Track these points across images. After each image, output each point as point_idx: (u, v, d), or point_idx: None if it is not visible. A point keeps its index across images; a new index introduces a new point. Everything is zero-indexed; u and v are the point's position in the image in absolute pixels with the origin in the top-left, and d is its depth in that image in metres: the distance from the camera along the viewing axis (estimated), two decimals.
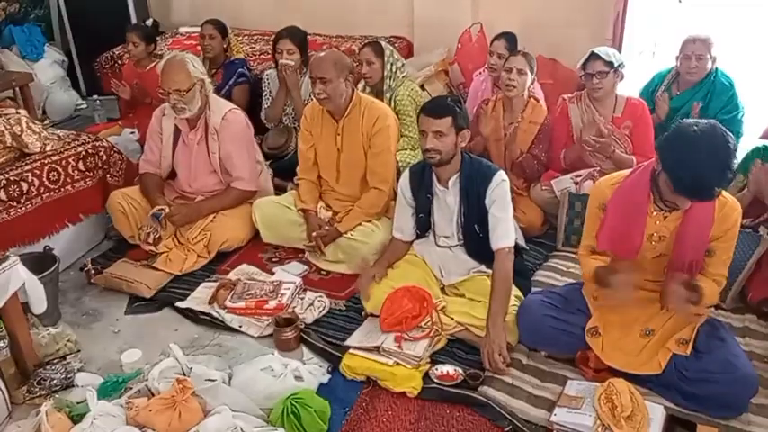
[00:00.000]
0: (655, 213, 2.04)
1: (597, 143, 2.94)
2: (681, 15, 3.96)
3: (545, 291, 2.37)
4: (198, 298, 2.63)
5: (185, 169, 3.04)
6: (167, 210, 2.85)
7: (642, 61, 3.82)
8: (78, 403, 2.00)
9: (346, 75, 2.73)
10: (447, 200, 2.47)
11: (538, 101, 3.26)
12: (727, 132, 1.83)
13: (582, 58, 3.09)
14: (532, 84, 3.22)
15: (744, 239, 2.34)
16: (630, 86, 3.43)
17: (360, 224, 2.84)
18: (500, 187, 2.38)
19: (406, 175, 2.57)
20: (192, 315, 2.57)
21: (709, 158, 1.78)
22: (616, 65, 3.00)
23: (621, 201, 2.06)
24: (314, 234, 2.83)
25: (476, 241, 2.47)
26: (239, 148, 2.98)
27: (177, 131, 3.01)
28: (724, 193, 1.99)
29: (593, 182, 2.90)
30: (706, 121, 1.89)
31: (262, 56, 4.63)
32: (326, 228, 2.86)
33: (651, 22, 4.12)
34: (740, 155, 2.90)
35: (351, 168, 2.91)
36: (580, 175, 3.00)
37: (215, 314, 2.52)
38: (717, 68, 3.35)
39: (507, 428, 1.97)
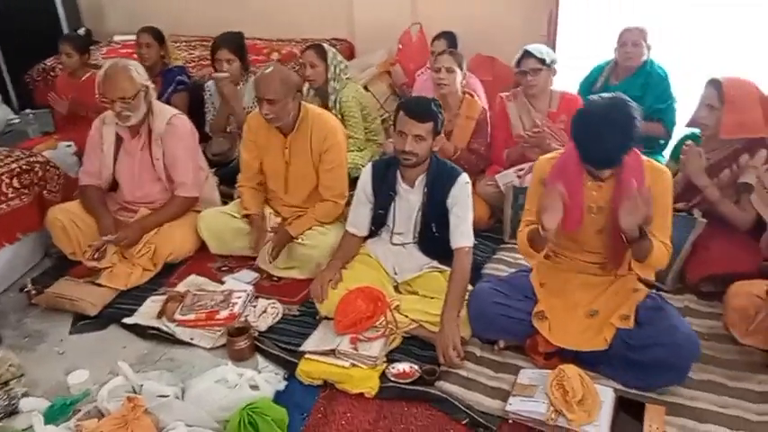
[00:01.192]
0: (590, 184, 2.12)
1: (532, 136, 3.02)
2: (618, 11, 4.10)
3: (493, 279, 2.41)
4: (146, 313, 2.56)
5: (128, 178, 2.95)
6: (112, 238, 2.74)
7: (579, 57, 3.94)
8: (24, 430, 1.93)
9: (294, 92, 2.69)
10: (409, 198, 2.49)
11: (472, 96, 3.32)
12: (630, 102, 1.97)
13: (517, 55, 3.17)
14: (464, 80, 3.27)
15: (680, 223, 2.43)
16: (568, 82, 3.54)
17: (310, 228, 2.83)
18: (464, 188, 2.43)
19: (368, 170, 2.57)
20: (140, 331, 2.49)
21: (610, 128, 1.93)
22: (549, 62, 3.09)
23: (558, 173, 2.14)
24: (267, 243, 2.79)
25: (431, 239, 2.51)
26: (184, 153, 2.93)
27: (118, 140, 2.93)
28: (652, 161, 2.12)
29: None
30: (612, 93, 2.03)
31: (201, 62, 4.56)
32: (272, 233, 2.82)
33: (585, 16, 4.25)
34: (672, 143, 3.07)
35: (300, 181, 2.88)
36: (522, 169, 3.07)
37: (164, 328, 2.46)
38: (651, 59, 3.50)
39: (465, 421, 2.00)
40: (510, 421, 1.98)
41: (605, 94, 2.04)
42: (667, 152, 3.28)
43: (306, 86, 3.67)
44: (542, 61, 3.07)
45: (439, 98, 3.24)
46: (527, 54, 3.10)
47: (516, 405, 1.99)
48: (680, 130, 3.23)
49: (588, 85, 3.63)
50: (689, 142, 2.67)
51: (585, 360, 2.10)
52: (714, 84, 2.57)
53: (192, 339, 2.41)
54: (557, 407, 1.92)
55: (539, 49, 3.13)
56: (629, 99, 1.99)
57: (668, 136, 3.56)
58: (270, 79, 2.63)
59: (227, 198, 3.29)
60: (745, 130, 2.53)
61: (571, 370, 2.00)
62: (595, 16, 4.11)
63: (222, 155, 3.57)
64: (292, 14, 5.01)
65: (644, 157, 2.12)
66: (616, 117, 1.95)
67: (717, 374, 2.15)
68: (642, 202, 1.93)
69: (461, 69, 3.21)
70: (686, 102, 3.33)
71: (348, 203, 2.81)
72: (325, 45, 3.58)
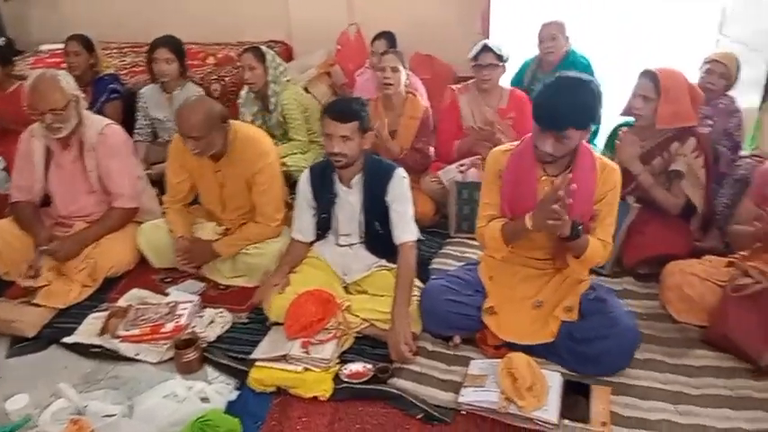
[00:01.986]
0: (543, 179, 2.15)
1: (483, 129, 3.07)
2: (544, 6, 4.22)
3: (444, 275, 2.44)
4: (87, 330, 2.47)
5: (61, 192, 2.84)
6: (47, 247, 2.63)
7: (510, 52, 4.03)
8: None
9: (218, 124, 2.57)
10: (350, 199, 2.49)
11: (415, 95, 3.35)
12: (596, 83, 2.00)
13: (473, 49, 3.21)
14: (408, 78, 3.30)
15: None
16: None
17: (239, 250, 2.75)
18: (401, 184, 2.44)
19: (306, 175, 2.55)
20: (82, 350, 2.40)
21: (568, 92, 1.95)
22: (505, 58, 3.16)
23: (514, 167, 2.18)
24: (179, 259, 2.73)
25: (376, 238, 2.51)
26: (119, 164, 2.83)
27: (48, 153, 2.81)
28: (603, 157, 2.17)
29: (478, 170, 3.04)
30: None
31: (134, 68, 4.43)
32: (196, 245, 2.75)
33: (516, 13, 4.36)
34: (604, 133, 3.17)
35: (237, 200, 2.79)
36: (464, 164, 3.12)
37: (108, 345, 2.37)
38: (573, 50, 3.62)
39: (420, 416, 2.01)
40: (463, 412, 2.01)
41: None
42: (600, 141, 3.39)
43: (245, 90, 3.63)
44: (500, 57, 3.14)
45: (383, 98, 3.28)
46: (486, 48, 3.15)
47: (468, 396, 2.02)
48: (613, 119, 3.35)
49: (518, 81, 3.72)
50: (624, 129, 2.75)
51: (534, 350, 2.15)
52: (649, 75, 2.65)
53: (137, 355, 2.33)
54: (507, 394, 1.96)
55: (498, 45, 3.19)
56: (595, 81, 2.03)
57: (597, 123, 3.68)
58: (192, 115, 2.50)
59: None
60: (679, 119, 2.63)
61: (519, 358, 2.05)
62: (527, 11, 4.23)
63: (161, 164, 3.48)
64: (227, 17, 4.93)
65: (597, 155, 2.17)
66: (579, 86, 1.97)
67: (657, 353, 2.25)
68: (561, 207, 1.94)
69: (405, 68, 3.23)
70: (612, 89, 3.47)
71: (291, 207, 2.78)
72: (263, 47, 3.54)
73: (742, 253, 2.40)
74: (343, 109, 2.36)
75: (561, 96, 1.95)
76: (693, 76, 3.10)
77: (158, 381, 2.17)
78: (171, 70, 3.44)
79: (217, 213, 2.88)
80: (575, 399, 2.00)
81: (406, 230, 2.43)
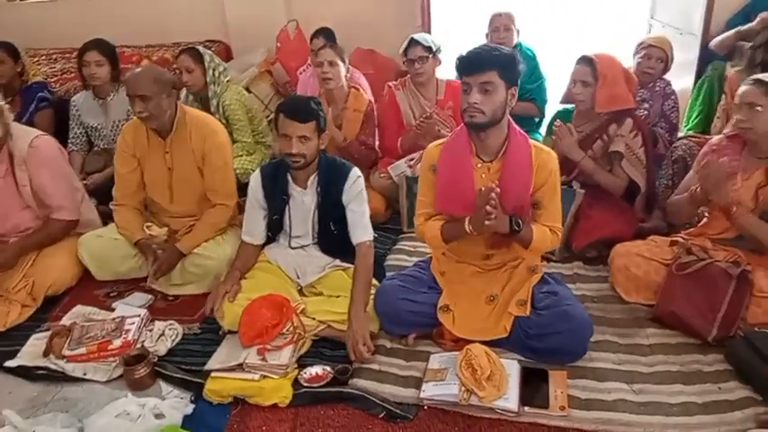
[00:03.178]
0: (479, 166, 2.16)
1: (422, 123, 3.08)
2: None
3: (398, 274, 2.43)
4: (30, 352, 2.35)
5: None
6: None
7: (452, 42, 4.06)
8: None
9: (168, 90, 2.58)
10: (304, 200, 2.45)
11: (358, 89, 3.34)
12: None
13: (402, 45, 3.21)
14: (348, 73, 3.28)
15: (562, 196, 2.56)
16: (446, 68, 3.63)
17: (205, 241, 2.71)
18: (357, 183, 2.41)
19: (257, 176, 2.49)
20: (26, 373, 2.29)
21: (489, 47, 2.06)
22: (435, 49, 3.16)
23: (448, 158, 2.18)
24: (151, 268, 2.64)
25: (330, 238, 2.48)
26: (54, 176, 2.71)
27: None
28: (538, 143, 2.20)
29: None
30: None
31: (64, 75, 4.27)
32: (162, 251, 2.67)
33: (456, 4, 4.39)
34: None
35: (185, 186, 2.75)
36: (413, 158, 3.13)
37: (53, 366, 2.27)
38: (520, 41, 3.66)
39: (382, 414, 2.00)
40: (425, 407, 2.01)
41: None
42: (543, 129, 3.46)
43: (183, 93, 3.53)
44: (429, 49, 3.15)
45: (325, 93, 3.25)
46: (413, 42, 3.16)
47: (429, 390, 2.02)
48: (553, 107, 3.42)
49: None
50: (558, 122, 2.81)
51: (490, 343, 2.16)
52: (587, 61, 2.71)
53: (85, 374, 2.24)
54: (467, 386, 1.97)
55: (424, 37, 3.20)
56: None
57: (541, 114, 3.75)
58: (141, 75, 2.53)
59: (108, 218, 3.08)
60: (617, 102, 2.70)
61: (477, 348, 2.06)
62: (467, 3, 4.27)
63: (96, 173, 3.35)
64: (161, 19, 4.80)
65: (531, 140, 2.19)
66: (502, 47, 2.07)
67: (609, 334, 2.30)
68: (492, 207, 2.00)
69: (344, 62, 3.20)
70: (555, 79, 3.54)
71: (241, 209, 2.73)
72: (201, 48, 3.45)
73: (684, 233, 2.49)
74: (301, 108, 2.31)
75: (483, 47, 2.05)
76: (627, 61, 3.19)
77: (109, 400, 2.09)
78: (102, 73, 3.31)
79: (164, 205, 2.81)
80: (534, 385, 2.03)
81: (363, 230, 2.41)
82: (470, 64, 2.02)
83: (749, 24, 3.12)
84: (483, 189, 2.03)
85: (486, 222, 2.01)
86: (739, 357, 2.05)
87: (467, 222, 2.08)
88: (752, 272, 2.20)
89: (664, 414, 1.91)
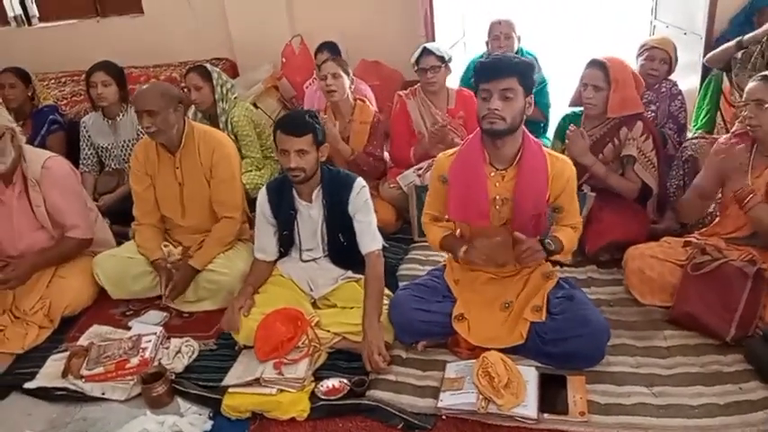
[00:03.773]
0: (492, 175, 2.16)
1: (436, 132, 3.08)
2: (484, 4, 4.30)
3: (411, 284, 2.42)
4: (49, 374, 2.37)
5: (7, 231, 2.70)
6: None
7: (456, 52, 4.08)
8: None
9: (176, 105, 2.61)
10: (311, 214, 2.45)
11: (364, 101, 3.35)
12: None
13: (414, 54, 3.23)
14: (352, 85, 3.29)
15: None
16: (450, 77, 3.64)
17: (215, 256, 2.73)
18: (361, 193, 2.41)
19: (263, 193, 2.50)
20: (45, 394, 2.30)
21: (505, 55, 2.10)
22: (447, 59, 3.18)
23: (461, 168, 2.19)
24: (167, 288, 2.66)
25: (340, 250, 2.49)
26: (67, 196, 2.74)
27: None
28: (553, 152, 2.21)
29: None
30: None
31: (74, 98, 4.32)
32: (176, 270, 2.69)
33: (458, 13, 4.41)
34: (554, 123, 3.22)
35: (196, 201, 2.78)
36: (422, 168, 3.13)
37: (72, 387, 2.28)
38: (521, 47, 3.67)
39: (400, 426, 1.99)
40: (443, 417, 2.00)
41: None
42: (550, 133, 3.45)
43: (192, 110, 3.56)
44: (441, 59, 3.16)
45: (331, 106, 3.26)
46: (426, 52, 3.17)
47: (447, 400, 2.01)
48: (559, 110, 3.41)
49: (467, 79, 3.75)
50: (572, 127, 2.79)
51: (507, 350, 2.15)
52: (598, 65, 2.69)
53: (103, 394, 2.25)
54: (485, 394, 1.96)
55: (437, 46, 3.21)
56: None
57: (545, 118, 3.75)
58: (148, 91, 2.59)
59: (121, 238, 3.11)
60: (628, 107, 2.69)
61: (494, 356, 2.05)
62: (469, 12, 4.29)
63: (109, 193, 3.38)
64: (166, 39, 4.85)
65: (546, 149, 2.19)
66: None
67: (626, 337, 2.28)
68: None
69: (348, 75, 3.22)
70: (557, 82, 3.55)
71: (252, 224, 2.74)
72: (209, 65, 3.48)
73: (697, 233, 2.48)
74: (296, 122, 2.33)
75: (497, 55, 2.10)
76: (630, 63, 3.19)
77: (128, 418, 2.09)
78: (109, 93, 3.35)
79: (177, 221, 2.83)
80: (552, 391, 2.02)
81: (371, 239, 2.41)
82: (491, 70, 2.02)
83: (752, 33, 3.07)
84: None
85: (524, 256, 2.10)
86: (759, 357, 2.03)
87: (462, 251, 2.16)
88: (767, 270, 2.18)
89: (685, 416, 1.89)
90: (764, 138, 2.24)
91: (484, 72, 2.04)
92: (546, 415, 1.93)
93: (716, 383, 2.01)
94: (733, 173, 2.21)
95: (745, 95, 2.27)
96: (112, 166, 3.51)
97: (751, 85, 2.24)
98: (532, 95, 2.07)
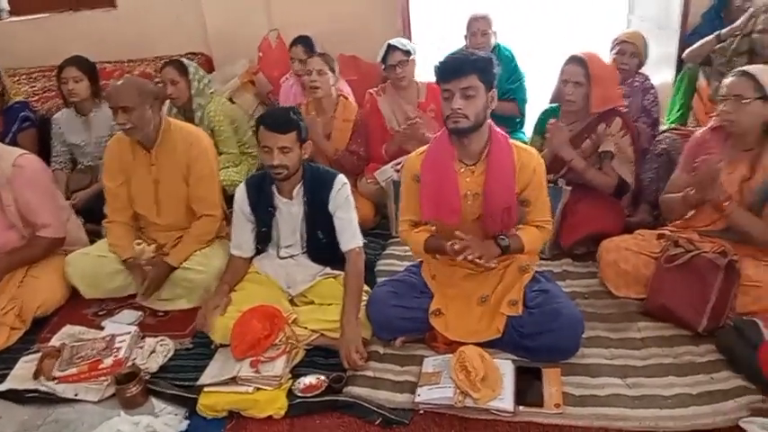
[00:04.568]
0: (462, 171, 2.17)
1: (407, 128, 3.08)
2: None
3: (389, 281, 2.42)
4: (20, 375, 2.32)
5: None
6: None
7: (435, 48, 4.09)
8: None
9: (152, 101, 2.57)
10: (291, 210, 2.44)
11: (347, 98, 3.34)
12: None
13: (379, 53, 3.22)
14: (337, 81, 3.27)
15: (549, 193, 2.58)
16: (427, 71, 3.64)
17: (192, 253, 2.70)
18: (342, 190, 2.41)
19: (242, 189, 2.48)
20: (16, 396, 2.25)
21: (466, 52, 2.09)
22: (412, 52, 3.18)
23: (431, 165, 2.19)
24: (143, 285, 2.62)
25: (319, 247, 2.48)
26: (39, 194, 2.69)
27: None
28: (519, 144, 2.21)
29: None
30: None
31: (46, 94, 4.23)
32: (148, 266, 2.65)
33: (436, 9, 4.41)
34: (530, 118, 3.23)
35: (172, 198, 2.74)
36: (399, 163, 3.12)
37: (44, 388, 2.24)
38: (498, 43, 3.68)
39: (378, 421, 1.99)
40: (421, 411, 2.00)
41: None
42: (527, 128, 3.46)
43: (166, 105, 3.51)
44: (407, 53, 3.16)
45: (313, 103, 3.24)
46: (392, 48, 3.17)
47: (424, 395, 2.01)
48: (536, 105, 3.43)
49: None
50: (552, 120, 2.81)
51: (484, 344, 2.16)
52: (578, 61, 2.71)
53: (76, 395, 2.21)
54: (462, 388, 1.96)
55: (400, 41, 3.21)
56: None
57: (521, 114, 3.77)
58: (123, 87, 2.53)
59: (95, 236, 3.06)
60: (609, 102, 2.72)
61: (471, 350, 2.06)
62: (445, 6, 4.29)
63: (82, 191, 3.33)
64: (140, 33, 4.77)
65: (512, 141, 2.20)
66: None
67: (601, 329, 2.30)
68: (476, 248, 2.07)
69: (333, 72, 3.20)
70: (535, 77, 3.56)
71: (229, 221, 2.71)
72: (185, 60, 3.44)
73: (671, 226, 2.50)
74: (282, 119, 2.30)
75: (460, 53, 2.08)
76: (607, 58, 3.22)
77: (102, 420, 2.07)
78: (81, 89, 3.30)
79: (151, 218, 2.78)
80: (528, 383, 2.03)
81: (352, 237, 2.40)
82: (450, 70, 2.03)
83: (729, 26, 3.12)
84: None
85: (470, 256, 2.06)
86: (730, 347, 2.06)
87: (448, 245, 2.12)
88: (739, 261, 2.21)
89: (658, 407, 1.91)
90: (740, 133, 2.26)
91: (444, 72, 2.04)
92: (522, 407, 1.95)
93: (688, 374, 2.04)
94: (711, 185, 2.21)
95: (723, 90, 2.28)
96: (85, 163, 3.46)
97: (730, 79, 2.26)
98: (495, 90, 2.08)
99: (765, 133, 2.23)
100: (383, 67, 3.26)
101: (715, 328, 2.17)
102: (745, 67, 2.28)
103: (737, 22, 3.07)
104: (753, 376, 1.94)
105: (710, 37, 3.16)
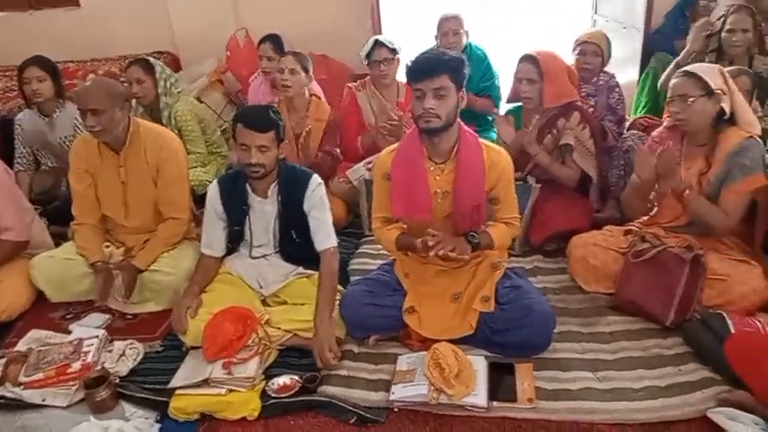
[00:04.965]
0: (432, 169, 2.18)
1: (392, 126, 3.08)
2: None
3: (362, 279, 2.43)
4: None
5: None
6: None
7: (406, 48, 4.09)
8: None
9: (121, 102, 2.52)
10: (265, 209, 2.41)
11: (320, 98, 3.32)
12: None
13: (365, 47, 3.21)
14: (311, 81, 3.25)
15: (518, 190, 2.60)
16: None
17: (159, 255, 2.65)
18: (317, 190, 2.40)
19: (215, 188, 2.45)
20: None
21: (437, 51, 2.08)
22: (398, 51, 3.18)
23: (402, 164, 2.20)
24: (123, 291, 2.57)
25: (292, 246, 2.46)
26: (2, 197, 2.62)
27: None
28: (488, 143, 2.23)
29: None
30: None
31: (6, 94, 4.13)
32: (116, 270, 2.60)
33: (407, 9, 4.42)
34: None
35: (140, 201, 2.68)
36: (371, 162, 3.12)
37: (10, 395, 2.18)
38: (470, 42, 3.71)
39: (352, 420, 1.99)
40: (396, 409, 2.01)
41: None
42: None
43: (133, 104, 3.45)
44: (393, 51, 3.16)
45: (285, 102, 3.21)
46: (378, 44, 3.17)
47: (399, 392, 2.02)
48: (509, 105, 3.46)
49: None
50: (498, 114, 2.87)
51: (457, 340, 2.17)
52: (530, 59, 2.75)
53: (44, 401, 2.16)
54: (436, 385, 1.97)
55: (388, 39, 3.20)
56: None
57: (497, 110, 3.80)
58: (92, 89, 2.47)
59: (59, 239, 2.99)
60: (563, 96, 2.76)
61: (444, 347, 2.07)
62: (415, 3, 4.30)
63: (47, 192, 3.25)
64: (104, 32, 4.69)
65: (481, 140, 2.22)
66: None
67: (572, 324, 2.34)
68: (449, 242, 2.09)
69: (307, 72, 3.17)
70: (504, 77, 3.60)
71: (198, 222, 2.68)
72: (151, 59, 3.38)
73: (637, 222, 2.56)
74: (261, 118, 2.29)
75: (431, 53, 2.07)
76: (571, 57, 3.27)
77: (71, 425, 2.02)
78: (45, 89, 3.22)
79: (119, 221, 2.73)
80: (501, 379, 2.05)
81: (326, 237, 2.39)
82: (422, 70, 2.03)
83: (683, 53, 3.23)
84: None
85: (441, 251, 2.07)
86: (697, 339, 2.11)
87: (419, 242, 2.13)
88: (704, 255, 2.27)
89: (628, 399, 1.95)
90: (693, 131, 2.32)
91: (416, 72, 2.05)
92: (495, 403, 1.97)
93: (657, 366, 2.09)
94: (671, 171, 2.26)
95: (669, 92, 2.34)
96: (49, 164, 3.38)
97: (674, 81, 2.32)
98: (464, 90, 2.10)
99: (715, 128, 2.29)
100: (366, 62, 3.25)
101: (682, 321, 2.22)
102: (687, 67, 2.34)
103: (684, 51, 3.18)
104: (719, 368, 1.99)
105: (671, 65, 3.30)
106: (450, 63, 2.03)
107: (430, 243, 2.09)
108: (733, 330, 2.00)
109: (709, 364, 2.04)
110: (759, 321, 2.07)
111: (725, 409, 1.84)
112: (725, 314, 2.09)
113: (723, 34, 3.07)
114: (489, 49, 3.86)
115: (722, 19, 3.09)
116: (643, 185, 2.36)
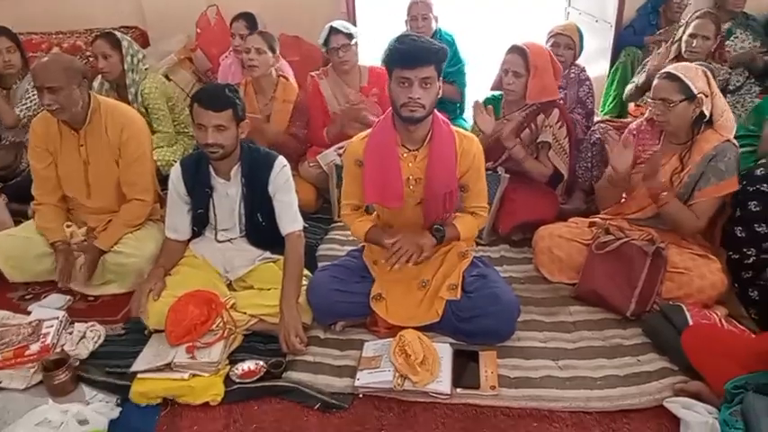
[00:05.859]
0: (405, 156, 2.17)
1: (350, 109, 3.06)
2: None
3: (330, 265, 2.42)
4: None
5: None
6: None
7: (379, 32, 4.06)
8: None
9: (79, 79, 2.43)
10: (228, 192, 2.38)
11: (287, 79, 3.28)
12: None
13: (321, 35, 3.17)
14: (277, 62, 3.21)
15: (488, 180, 2.62)
16: (371, 55, 3.62)
17: (122, 236, 2.60)
18: (282, 173, 2.36)
19: (177, 169, 2.39)
20: None
21: (417, 38, 2.01)
22: (355, 36, 3.14)
23: (374, 150, 2.18)
24: (83, 273, 2.51)
25: (258, 230, 2.43)
26: None
27: None
28: (461, 130, 2.23)
29: None
30: None
31: None
32: (79, 251, 2.55)
33: None
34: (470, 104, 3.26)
35: (103, 180, 2.62)
36: (342, 147, 3.10)
37: None
38: (439, 27, 3.70)
39: (317, 406, 1.99)
40: (360, 396, 2.02)
41: None
42: (468, 115, 3.50)
43: (98, 80, 3.35)
44: (350, 36, 3.12)
45: (252, 82, 3.16)
46: (334, 31, 3.12)
47: (364, 379, 2.03)
48: (475, 92, 3.47)
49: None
50: (476, 101, 2.87)
51: (423, 328, 2.20)
52: (519, 51, 2.74)
53: (0, 383, 2.11)
54: (401, 372, 1.99)
55: (343, 24, 3.17)
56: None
57: (461, 97, 3.81)
58: (49, 65, 2.37)
59: (20, 217, 2.90)
60: (546, 93, 2.76)
61: (410, 334, 2.09)
62: None
63: (7, 168, 3.15)
64: (72, 4, 4.52)
65: (454, 127, 2.21)
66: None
67: (535, 313, 2.38)
68: (409, 247, 2.11)
69: (274, 51, 3.12)
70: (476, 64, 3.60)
71: (163, 203, 2.63)
72: (119, 33, 3.28)
73: (602, 214, 2.60)
74: (216, 97, 2.23)
75: (415, 40, 2.00)
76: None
77: (28, 408, 1.97)
78: (16, 59, 3.13)
79: (81, 200, 2.66)
80: (465, 366, 2.08)
81: (292, 220, 2.37)
82: (412, 58, 1.97)
83: (643, 76, 3.26)
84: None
85: (397, 265, 2.11)
86: (656, 330, 2.17)
87: (387, 243, 2.15)
88: (665, 249, 2.32)
89: (587, 388, 2.00)
90: (673, 131, 2.36)
91: (404, 59, 1.98)
92: (459, 390, 1.99)
93: (617, 356, 2.14)
94: (655, 174, 2.30)
95: (651, 92, 2.36)
96: (9, 138, 3.26)
97: (656, 82, 2.34)
98: (441, 78, 2.08)
99: (693, 128, 2.33)
100: (325, 50, 3.21)
101: (642, 312, 2.27)
102: (670, 68, 2.35)
103: (644, 75, 3.21)
104: (677, 358, 2.04)
105: (632, 86, 3.35)
106: (440, 54, 1.99)
107: (392, 251, 2.11)
108: (691, 322, 2.05)
109: (667, 354, 2.09)
110: (716, 314, 2.15)
111: (680, 399, 1.90)
112: (684, 306, 2.15)
113: (684, 38, 3.11)
114: (461, 37, 3.85)
115: (685, 23, 3.13)
116: (618, 178, 2.39)
